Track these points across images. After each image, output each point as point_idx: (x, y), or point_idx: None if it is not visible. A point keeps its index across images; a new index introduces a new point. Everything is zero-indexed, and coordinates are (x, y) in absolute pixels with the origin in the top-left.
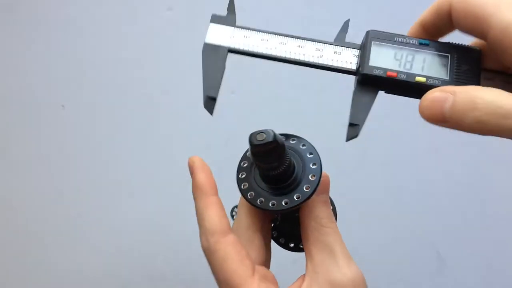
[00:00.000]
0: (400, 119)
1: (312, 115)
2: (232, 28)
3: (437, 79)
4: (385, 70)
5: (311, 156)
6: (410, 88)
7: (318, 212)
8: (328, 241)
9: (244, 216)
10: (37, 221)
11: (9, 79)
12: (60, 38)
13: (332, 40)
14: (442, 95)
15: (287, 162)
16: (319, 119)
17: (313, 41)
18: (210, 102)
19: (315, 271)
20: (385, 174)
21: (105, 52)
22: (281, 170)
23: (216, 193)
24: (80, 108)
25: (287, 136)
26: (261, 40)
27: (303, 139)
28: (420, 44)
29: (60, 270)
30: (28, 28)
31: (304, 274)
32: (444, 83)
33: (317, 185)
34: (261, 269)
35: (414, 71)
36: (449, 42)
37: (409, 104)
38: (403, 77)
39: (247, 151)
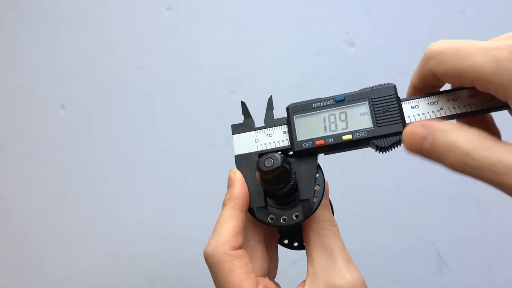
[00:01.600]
0: None
1: None
2: (254, 132)
3: (362, 131)
4: (313, 140)
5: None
6: (342, 146)
7: (319, 216)
8: (328, 244)
9: (246, 228)
10: (36, 221)
11: (9, 79)
12: (60, 38)
13: None
14: (421, 132)
15: (293, 179)
16: None
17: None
18: (261, 212)
19: (315, 273)
20: (385, 174)
21: (104, 52)
22: (288, 187)
23: (245, 211)
24: (80, 108)
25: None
26: (283, 133)
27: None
28: (337, 101)
29: (60, 270)
30: (28, 28)
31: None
32: (370, 132)
33: (323, 194)
34: (263, 281)
35: (340, 130)
36: (363, 89)
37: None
38: (331, 141)
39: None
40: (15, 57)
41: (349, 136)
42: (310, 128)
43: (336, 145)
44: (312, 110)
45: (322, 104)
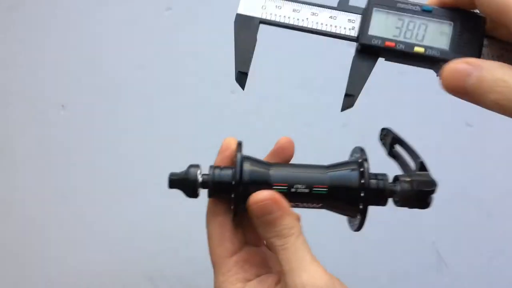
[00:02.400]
0: (400, 119)
1: (313, 115)
2: None
3: (436, 49)
4: (384, 39)
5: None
6: (409, 57)
7: (262, 232)
8: (286, 258)
9: (214, 202)
10: (36, 221)
11: (9, 79)
12: (60, 38)
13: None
14: (466, 68)
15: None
16: (319, 119)
17: (328, 7)
18: (242, 77)
19: (285, 282)
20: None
21: (104, 52)
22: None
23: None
24: (80, 108)
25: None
26: (293, 10)
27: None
28: (423, 11)
29: (60, 270)
30: (27, 28)
31: None
32: (443, 53)
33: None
34: (246, 251)
35: (414, 40)
36: (453, 8)
37: (409, 104)
38: (401, 47)
39: None
40: (14, 57)
41: (421, 49)
42: (386, 26)
43: (404, 54)
44: (395, 10)
45: (407, 7)
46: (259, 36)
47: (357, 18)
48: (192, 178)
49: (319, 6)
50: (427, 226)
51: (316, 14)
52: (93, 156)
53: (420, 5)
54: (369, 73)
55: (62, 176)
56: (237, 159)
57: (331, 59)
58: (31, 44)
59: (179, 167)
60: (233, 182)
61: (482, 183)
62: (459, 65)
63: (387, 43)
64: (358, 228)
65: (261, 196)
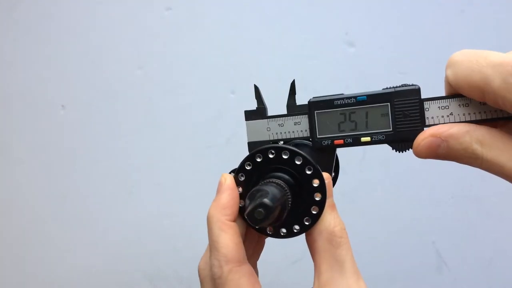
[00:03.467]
0: None
1: None
2: (266, 120)
3: (380, 133)
4: (332, 139)
5: (310, 172)
6: (359, 145)
7: (328, 220)
8: (339, 256)
9: (240, 247)
10: (37, 221)
11: (9, 79)
12: (60, 38)
13: None
14: (434, 141)
15: (290, 202)
16: None
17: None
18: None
19: (319, 284)
20: (385, 174)
21: (104, 52)
22: (285, 213)
23: (235, 220)
24: (80, 108)
25: (280, 150)
26: (294, 124)
27: (297, 152)
28: (359, 101)
29: (60, 270)
30: (27, 28)
31: None
32: (389, 136)
33: (324, 203)
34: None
35: (359, 130)
36: (387, 88)
37: None
38: (349, 141)
39: (236, 171)
40: (14, 57)
41: (368, 139)
42: (330, 126)
43: (353, 145)
44: (334, 108)
45: (344, 102)
46: (259, 38)
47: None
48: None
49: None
50: (427, 226)
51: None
52: (93, 156)
53: (355, 96)
54: (333, 164)
55: (62, 176)
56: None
57: (331, 59)
58: (31, 44)
59: (180, 167)
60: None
61: (482, 183)
62: (427, 140)
63: (336, 142)
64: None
65: (327, 175)
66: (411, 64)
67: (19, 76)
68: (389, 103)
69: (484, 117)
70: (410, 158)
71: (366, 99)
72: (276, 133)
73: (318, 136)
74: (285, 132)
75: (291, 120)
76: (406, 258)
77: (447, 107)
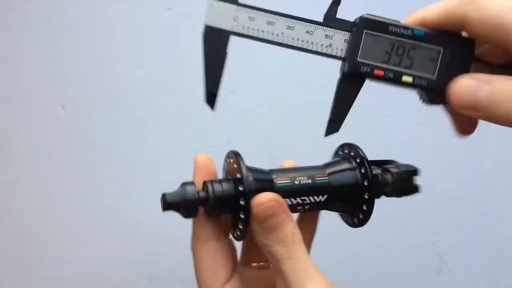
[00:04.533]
0: (400, 119)
1: (312, 115)
2: (235, 7)
3: (424, 78)
4: (373, 67)
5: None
6: (398, 85)
7: (262, 240)
8: (283, 270)
9: (201, 226)
10: (36, 221)
11: (9, 79)
12: (60, 38)
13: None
14: (476, 84)
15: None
16: (319, 119)
17: (321, 24)
18: (211, 97)
19: None
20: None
21: (104, 52)
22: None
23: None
24: (80, 108)
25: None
26: (267, 23)
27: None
28: (415, 35)
29: (60, 270)
30: (27, 28)
31: None
32: (430, 83)
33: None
34: (239, 276)
35: (402, 68)
36: (443, 33)
37: (409, 103)
38: (390, 75)
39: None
40: (14, 57)
41: (409, 79)
42: (375, 52)
43: (393, 82)
44: (386, 34)
45: (398, 31)
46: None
47: (335, 34)
48: (191, 197)
49: (297, 20)
50: (427, 226)
51: (292, 28)
52: (93, 156)
53: (412, 29)
54: (355, 98)
55: (62, 176)
56: (241, 167)
57: (331, 59)
58: (31, 44)
59: (179, 167)
60: (241, 189)
61: (482, 183)
62: (469, 81)
63: (376, 72)
64: (362, 223)
65: (265, 197)
66: None
67: (19, 76)
68: (442, 48)
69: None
70: (410, 158)
71: (423, 35)
72: (243, 26)
73: (358, 59)
74: (254, 29)
75: (263, 16)
76: (406, 258)
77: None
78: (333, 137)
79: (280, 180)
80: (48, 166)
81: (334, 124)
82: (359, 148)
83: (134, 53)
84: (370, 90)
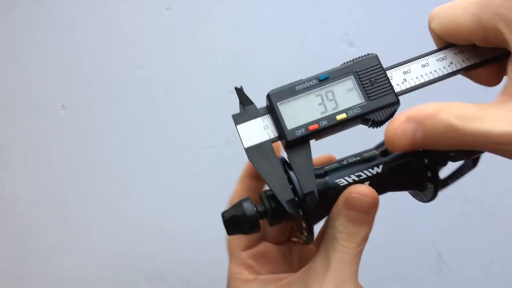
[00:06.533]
0: None
1: None
2: (261, 118)
3: (355, 107)
4: (306, 126)
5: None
6: (337, 128)
7: (337, 223)
8: (331, 255)
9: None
10: (36, 221)
11: (9, 79)
12: (60, 38)
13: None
14: (409, 127)
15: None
16: None
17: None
18: (292, 205)
19: (304, 272)
20: None
21: (104, 52)
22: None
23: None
24: (80, 108)
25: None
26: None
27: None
28: (320, 80)
29: (60, 270)
30: (27, 28)
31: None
32: (364, 107)
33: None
34: (263, 247)
35: (331, 111)
36: (344, 63)
37: (409, 103)
38: (325, 124)
39: None
40: (14, 57)
41: (343, 115)
42: (298, 114)
43: (331, 127)
44: (296, 94)
45: (305, 86)
46: (259, 38)
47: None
48: (250, 214)
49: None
50: (427, 226)
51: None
52: (93, 156)
53: (316, 77)
54: (311, 158)
55: (62, 176)
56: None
57: (331, 59)
58: (31, 44)
59: (179, 167)
60: (297, 198)
61: (482, 183)
62: (402, 126)
63: (311, 127)
64: (432, 197)
65: (368, 191)
66: None
67: (19, 76)
68: (352, 75)
69: (481, 59)
70: None
71: (328, 77)
72: (272, 131)
73: (288, 128)
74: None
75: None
76: (406, 258)
77: (444, 58)
78: (334, 137)
79: (328, 165)
80: (48, 166)
81: (311, 195)
82: None
83: (134, 53)
84: None
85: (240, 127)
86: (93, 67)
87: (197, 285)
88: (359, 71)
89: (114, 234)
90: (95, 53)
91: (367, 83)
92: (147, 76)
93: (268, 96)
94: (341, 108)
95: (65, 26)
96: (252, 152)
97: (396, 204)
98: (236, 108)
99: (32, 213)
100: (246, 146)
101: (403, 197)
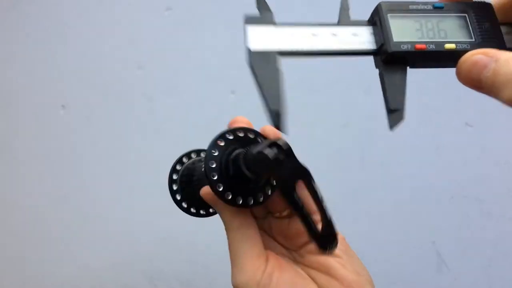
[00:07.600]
0: None
1: (312, 115)
2: (274, 27)
3: (465, 42)
4: (413, 43)
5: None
6: (441, 58)
7: (222, 217)
8: (233, 247)
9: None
10: (37, 221)
11: (9, 79)
12: (60, 38)
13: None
14: (484, 60)
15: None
16: (319, 119)
17: (328, 25)
18: (278, 118)
19: None
20: (385, 174)
21: (105, 52)
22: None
23: None
24: (80, 108)
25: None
26: (312, 35)
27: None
28: (435, 8)
29: (60, 271)
30: (27, 28)
31: None
32: (473, 45)
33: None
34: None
35: (440, 38)
36: (461, 1)
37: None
38: (432, 47)
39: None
40: (15, 57)
41: (452, 46)
42: (407, 31)
43: (436, 54)
44: (409, 12)
45: (419, 8)
46: None
47: (361, 31)
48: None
49: (323, 26)
50: (427, 226)
51: (336, 35)
52: (93, 156)
53: (431, 3)
54: (405, 84)
55: (62, 176)
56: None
57: (330, 59)
58: (31, 44)
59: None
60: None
61: (482, 183)
62: (476, 57)
63: (418, 46)
64: None
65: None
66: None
67: (19, 76)
68: (466, 15)
69: None
70: (410, 159)
71: (443, 6)
72: (288, 43)
73: (394, 40)
74: (298, 42)
75: (305, 29)
76: (406, 258)
77: None
78: (334, 137)
79: None
80: (48, 166)
81: (396, 113)
82: None
83: (135, 53)
84: (371, 90)
85: (251, 28)
86: (93, 67)
87: (197, 285)
88: (474, 13)
89: (114, 235)
90: (95, 53)
91: (479, 27)
92: (147, 76)
93: (379, 6)
94: (450, 39)
95: (65, 26)
96: (256, 57)
97: (396, 204)
98: (236, 108)
99: (32, 213)
100: (252, 49)
101: (403, 197)
